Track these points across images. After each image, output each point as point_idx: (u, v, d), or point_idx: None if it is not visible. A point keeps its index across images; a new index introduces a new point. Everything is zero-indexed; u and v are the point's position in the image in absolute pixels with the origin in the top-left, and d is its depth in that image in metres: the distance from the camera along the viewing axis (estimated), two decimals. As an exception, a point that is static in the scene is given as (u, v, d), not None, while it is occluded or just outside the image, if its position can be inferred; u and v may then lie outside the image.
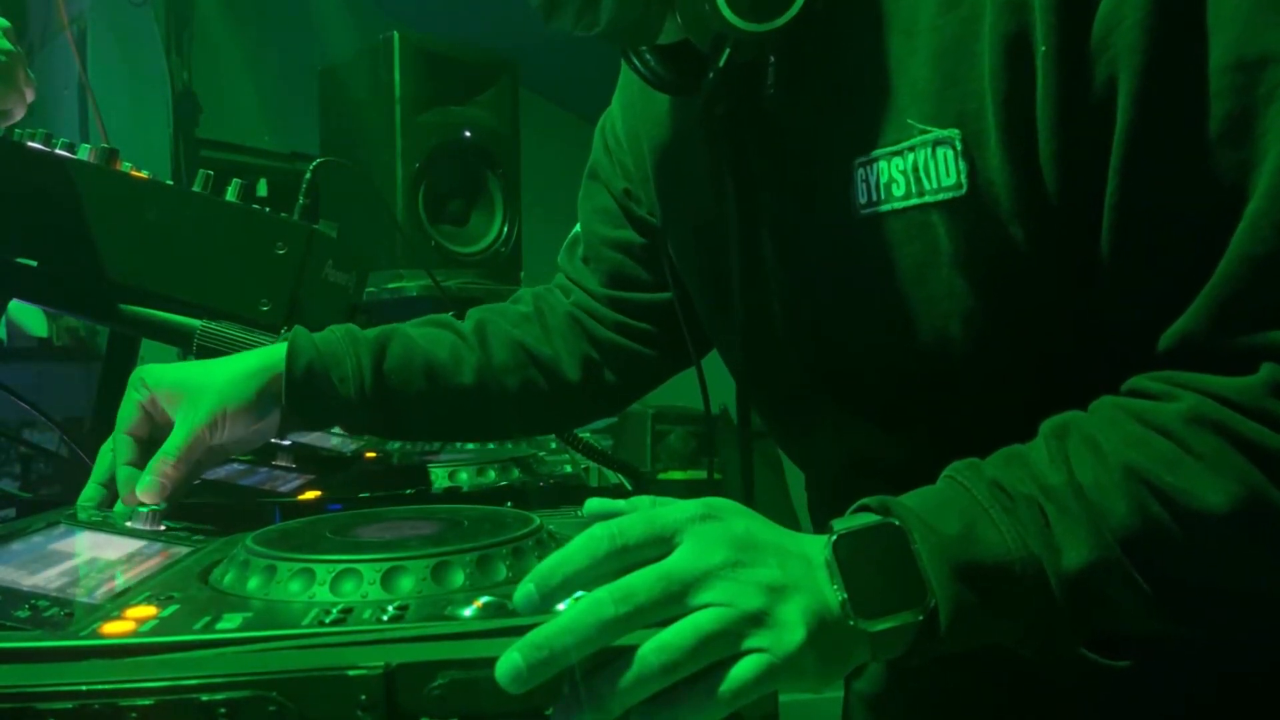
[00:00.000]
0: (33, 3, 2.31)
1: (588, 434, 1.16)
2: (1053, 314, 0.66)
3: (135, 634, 0.52)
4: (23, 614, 0.55)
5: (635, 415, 2.88)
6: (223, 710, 0.45)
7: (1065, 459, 0.59)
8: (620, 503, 0.65)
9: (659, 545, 0.54)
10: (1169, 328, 0.59)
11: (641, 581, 0.51)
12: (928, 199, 0.66)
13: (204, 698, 0.45)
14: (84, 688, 0.45)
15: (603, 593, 0.50)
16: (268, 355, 0.89)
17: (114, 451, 0.84)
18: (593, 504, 0.69)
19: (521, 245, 2.30)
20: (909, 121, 0.66)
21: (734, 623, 0.51)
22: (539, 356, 0.99)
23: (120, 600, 0.58)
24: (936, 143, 0.65)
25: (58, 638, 0.51)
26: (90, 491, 0.84)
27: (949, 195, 0.65)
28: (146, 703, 0.45)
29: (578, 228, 1.05)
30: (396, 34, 2.13)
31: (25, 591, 0.58)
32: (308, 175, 1.09)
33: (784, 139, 0.75)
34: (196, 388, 0.85)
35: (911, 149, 0.66)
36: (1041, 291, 0.65)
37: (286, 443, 1.26)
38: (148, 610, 0.55)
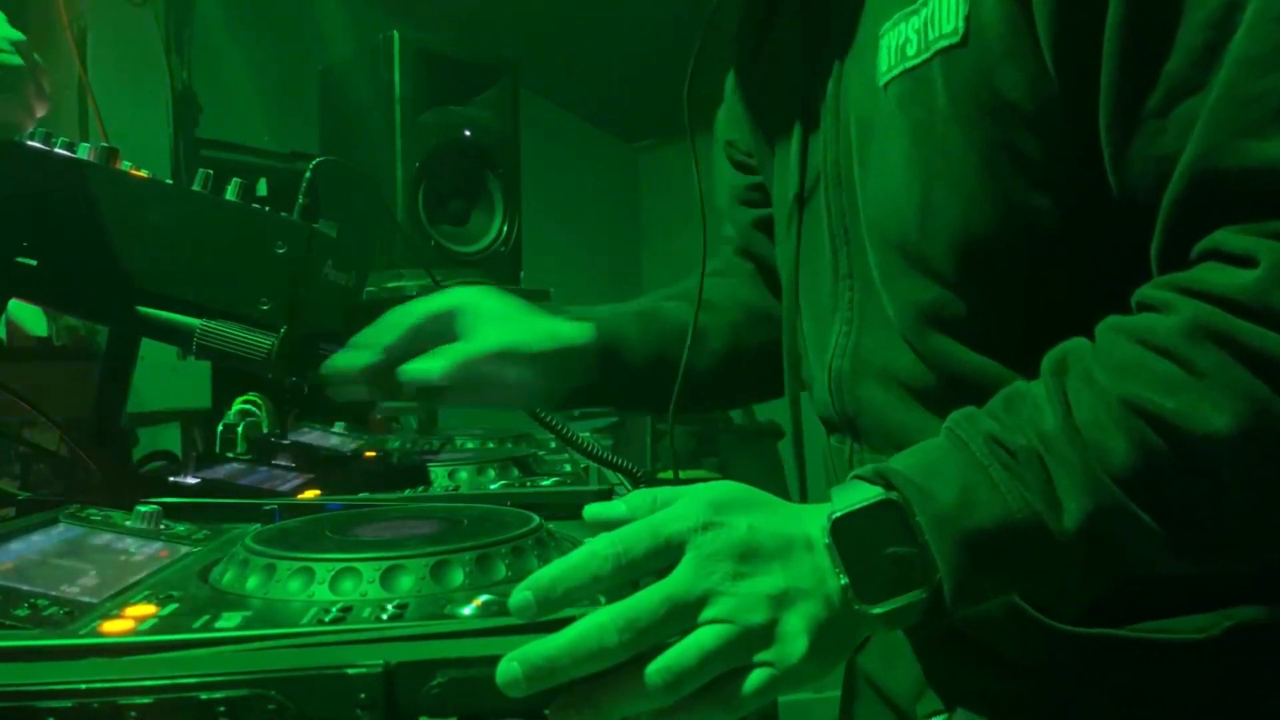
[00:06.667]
0: (33, 3, 2.31)
1: (588, 434, 1.16)
2: (1040, 194, 0.65)
3: (134, 633, 0.52)
4: (22, 613, 0.55)
5: (635, 415, 2.88)
6: (222, 709, 0.45)
7: (1063, 397, 0.57)
8: (619, 505, 0.65)
9: (664, 556, 0.54)
10: (1177, 167, 0.58)
11: (645, 607, 0.51)
12: (929, 51, 0.67)
13: (203, 696, 0.45)
14: (83, 686, 0.45)
15: (606, 617, 0.51)
16: (569, 329, 0.94)
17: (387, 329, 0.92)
18: (592, 509, 0.68)
19: (521, 245, 2.30)
20: None
21: (738, 639, 0.52)
22: (763, 311, 1.05)
23: (120, 599, 0.58)
24: None
25: (57, 636, 0.51)
26: (358, 357, 0.91)
27: (947, 43, 0.66)
28: (146, 701, 0.45)
29: None
30: (396, 34, 2.13)
31: (25, 591, 0.58)
32: (308, 175, 1.09)
33: (836, 20, 0.79)
34: (501, 317, 0.92)
35: (925, 3, 0.68)
36: (1031, 165, 0.65)
37: (286, 441, 1.26)
38: (147, 609, 0.55)
